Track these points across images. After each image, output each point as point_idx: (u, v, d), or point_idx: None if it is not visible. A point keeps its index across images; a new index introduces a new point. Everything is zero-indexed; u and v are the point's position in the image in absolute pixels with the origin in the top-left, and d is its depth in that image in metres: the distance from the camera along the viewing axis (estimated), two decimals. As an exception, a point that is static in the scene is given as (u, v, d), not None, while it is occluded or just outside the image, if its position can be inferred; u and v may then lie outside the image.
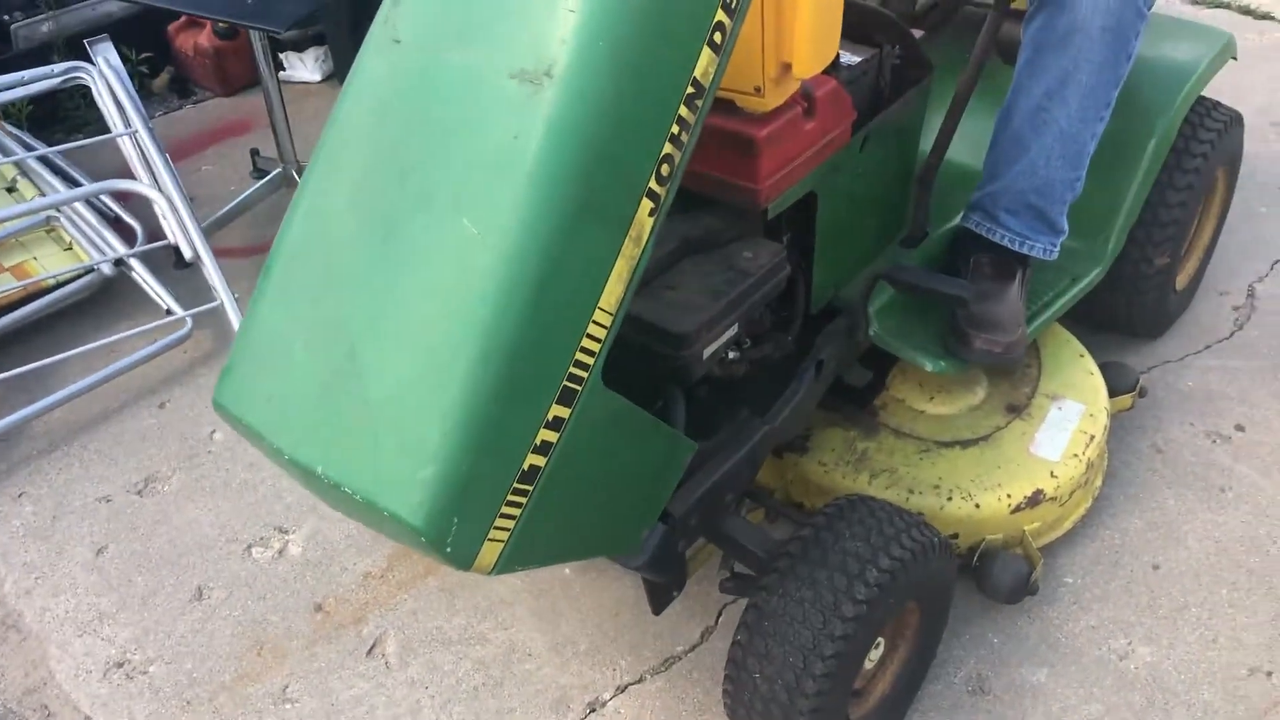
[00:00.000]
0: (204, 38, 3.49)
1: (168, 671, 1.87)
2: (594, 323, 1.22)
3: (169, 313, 2.51)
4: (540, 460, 1.22)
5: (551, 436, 1.23)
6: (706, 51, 1.23)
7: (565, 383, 1.21)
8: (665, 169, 1.23)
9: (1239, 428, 2.24)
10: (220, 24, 3.46)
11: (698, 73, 1.22)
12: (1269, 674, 1.80)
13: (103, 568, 2.05)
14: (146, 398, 2.42)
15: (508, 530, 1.23)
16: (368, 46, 1.30)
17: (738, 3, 1.24)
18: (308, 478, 1.26)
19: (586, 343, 1.22)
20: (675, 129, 1.22)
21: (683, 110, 1.23)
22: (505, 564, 1.26)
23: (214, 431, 2.33)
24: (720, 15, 1.23)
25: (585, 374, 1.23)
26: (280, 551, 2.07)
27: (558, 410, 1.22)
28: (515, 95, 1.17)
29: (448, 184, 1.20)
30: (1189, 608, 1.91)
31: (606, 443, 1.32)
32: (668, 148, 1.22)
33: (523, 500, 1.23)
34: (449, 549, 1.19)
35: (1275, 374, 2.36)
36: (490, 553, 1.23)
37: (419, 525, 1.16)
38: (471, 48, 1.21)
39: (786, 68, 1.44)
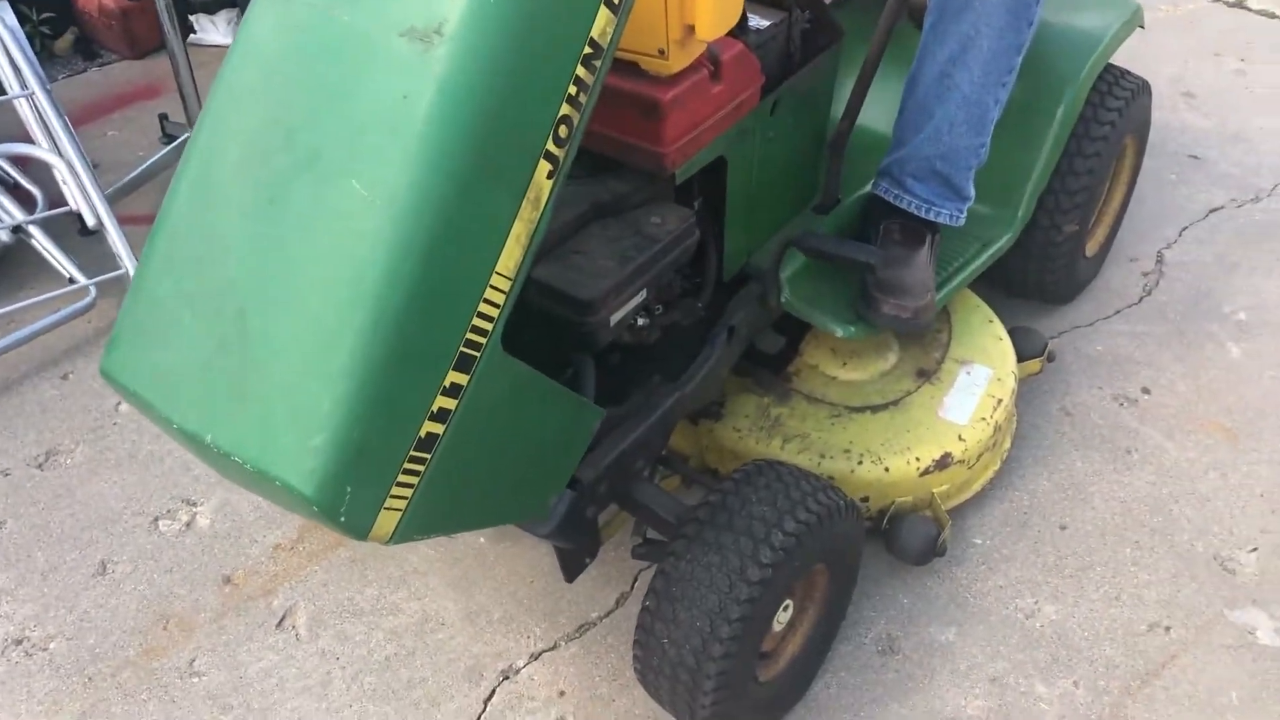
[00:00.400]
0: (110, -2, 3.38)
1: (69, 648, 1.82)
2: (491, 287, 1.20)
3: (71, 281, 2.43)
4: (438, 428, 1.21)
5: (449, 404, 1.21)
6: (604, 10, 1.21)
7: (462, 349, 1.19)
8: (563, 130, 1.21)
9: (1145, 391, 2.29)
10: (127, -17, 3.35)
11: (594, 32, 1.20)
12: (1167, 629, 1.85)
13: (1, 543, 1.99)
14: (49, 369, 2.35)
15: (405, 499, 1.21)
16: (255, 4, 1.26)
17: (635, -39, 1.22)
18: (198, 447, 1.22)
19: (484, 308, 1.20)
20: (573, 89, 1.20)
21: (580, 70, 1.21)
22: (403, 533, 1.24)
23: (119, 403, 2.27)
24: (618, -26, 1.21)
25: (483, 340, 1.21)
26: (188, 524, 2.03)
27: (455, 377, 1.20)
28: (405, 54, 1.14)
29: (336, 145, 1.16)
30: (1094, 567, 1.95)
31: (508, 410, 1.31)
32: (565, 109, 1.20)
33: (420, 468, 1.21)
34: (343, 518, 1.17)
35: (1181, 338, 2.42)
36: (387, 521, 1.21)
37: (310, 494, 1.14)
38: (361, 4, 1.17)
39: (690, 30, 1.42)
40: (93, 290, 2.41)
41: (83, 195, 2.44)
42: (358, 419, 1.14)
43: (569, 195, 1.51)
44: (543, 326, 1.46)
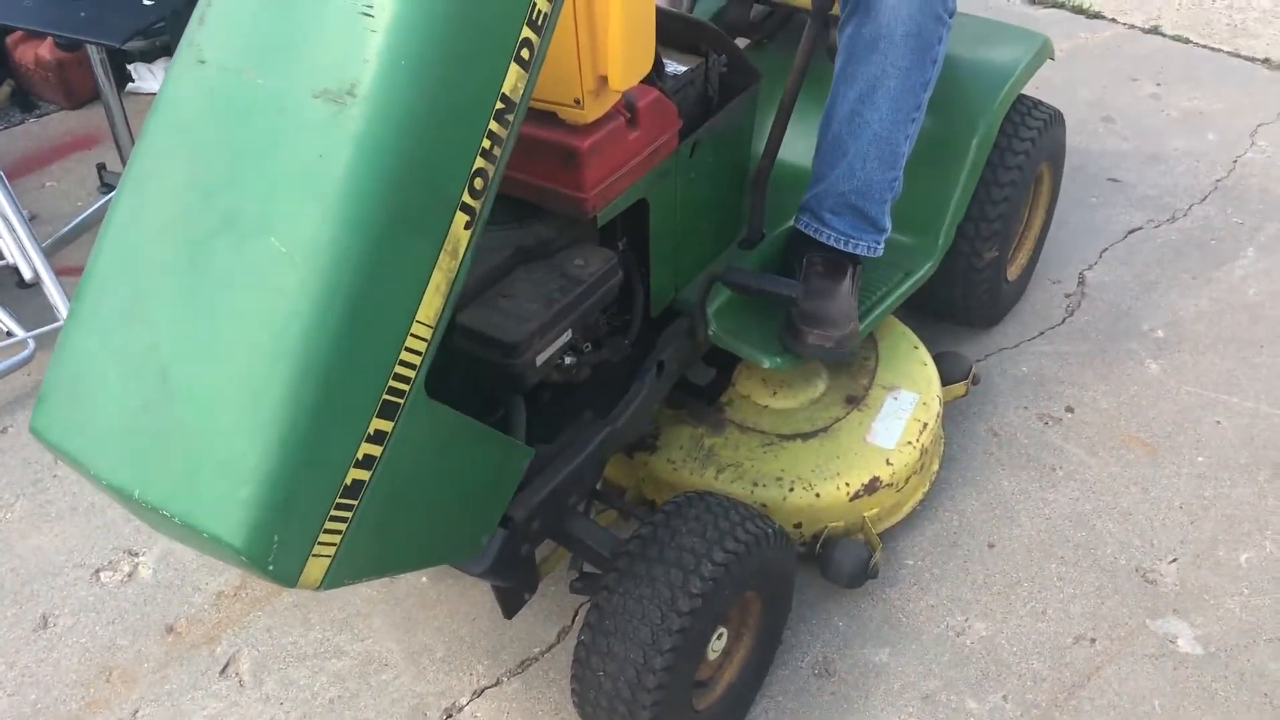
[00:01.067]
0: (45, 49, 3.38)
1: (10, 704, 1.82)
2: (413, 335, 1.23)
3: (9, 335, 2.43)
4: (364, 474, 1.24)
5: (375, 450, 1.24)
6: (514, 68, 1.25)
7: (385, 396, 1.23)
8: (479, 182, 1.25)
9: (1069, 409, 2.37)
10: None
11: (506, 88, 1.25)
12: (1092, 641, 1.91)
13: (-60, 602, 1.99)
14: (-13, 424, 2.36)
15: (333, 545, 1.24)
16: (174, 67, 1.30)
17: (544, 19, 1.27)
18: (128, 502, 1.24)
19: (406, 355, 1.23)
20: (486, 143, 1.25)
21: (493, 125, 1.25)
22: (333, 579, 1.27)
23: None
24: (526, 32, 1.25)
25: (407, 387, 1.25)
26: (130, 574, 2.03)
27: (379, 424, 1.23)
28: (319, 114, 1.17)
29: (253, 204, 1.20)
30: (1021, 583, 2.01)
31: (434, 453, 1.34)
32: (480, 162, 1.25)
33: (347, 514, 1.24)
34: (271, 567, 1.19)
35: (1103, 357, 2.50)
36: (316, 568, 1.24)
37: (239, 545, 1.16)
38: (275, 68, 1.21)
39: (603, 80, 1.47)
40: (31, 343, 2.41)
41: (19, 249, 2.45)
42: (283, 469, 1.16)
43: (493, 241, 1.55)
44: (471, 370, 1.50)
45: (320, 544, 1.22)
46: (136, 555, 2.07)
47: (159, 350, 1.22)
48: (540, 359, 1.52)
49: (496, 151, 1.27)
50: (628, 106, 1.59)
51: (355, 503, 1.24)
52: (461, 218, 1.25)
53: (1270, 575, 2.01)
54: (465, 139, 1.24)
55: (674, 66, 1.77)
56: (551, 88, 1.48)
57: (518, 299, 1.53)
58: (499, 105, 1.25)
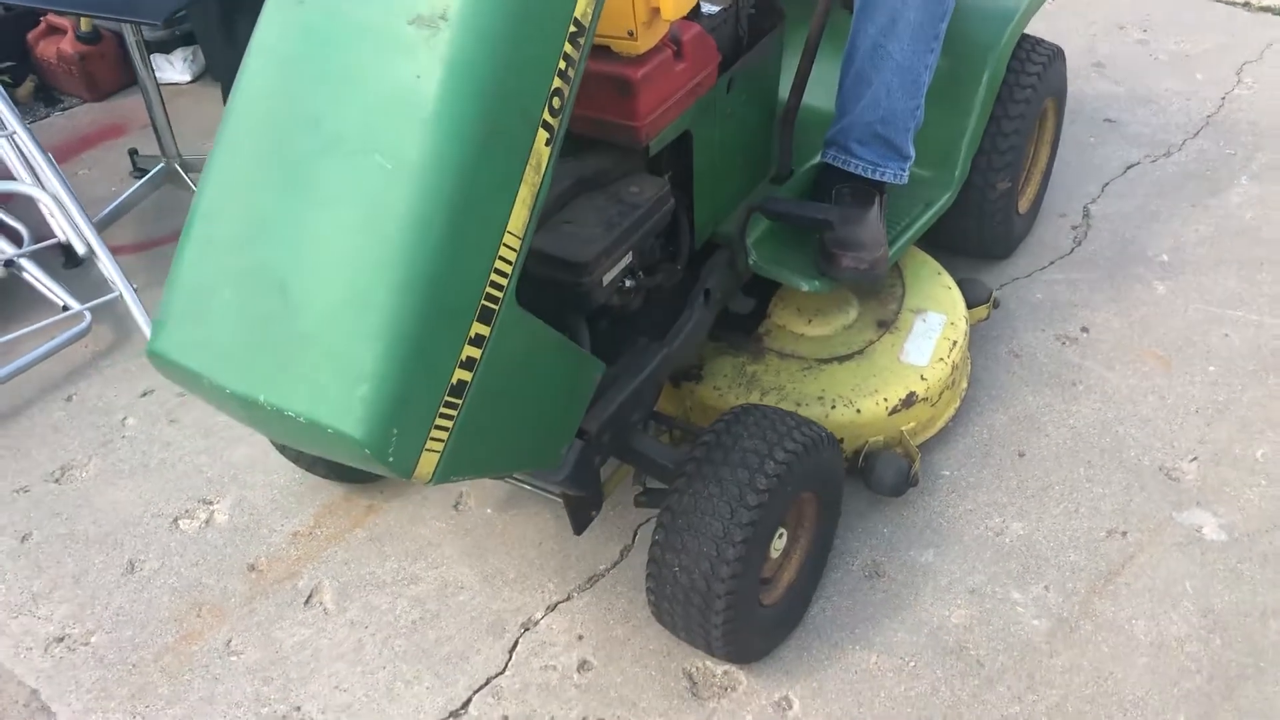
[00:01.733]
0: (66, 44, 3.46)
1: (110, 640, 1.92)
2: (505, 245, 1.34)
3: (66, 309, 2.53)
4: (467, 375, 1.35)
5: (475, 353, 1.35)
6: (584, -6, 1.36)
7: (483, 302, 1.34)
8: (556, 102, 1.36)
9: (1084, 330, 2.49)
10: (83, 28, 3.44)
11: (577, 13, 1.36)
12: (1124, 534, 2.03)
13: (29, 553, 2.08)
14: (52, 392, 2.44)
15: (442, 441, 1.35)
16: (267, 10, 1.40)
17: (609, -50, 1.38)
18: (249, 409, 1.35)
19: (499, 264, 1.34)
20: (562, 64, 1.36)
21: (568, 48, 1.36)
22: (442, 473, 1.38)
23: (126, 418, 2.37)
24: (595, -39, 1.36)
25: (500, 294, 1.35)
26: (207, 521, 2.13)
27: (478, 328, 1.34)
28: (414, 39, 1.28)
29: (358, 126, 1.30)
30: (1052, 486, 2.13)
31: (524, 359, 1.45)
32: (556, 82, 1.36)
33: (454, 413, 1.35)
34: (391, 458, 1.30)
35: (1112, 281, 2.62)
36: (428, 462, 1.35)
37: (361, 437, 1.27)
38: (368, 1, 1.32)
39: (655, 12, 1.58)
40: (88, 315, 2.50)
41: (71, 226, 2.54)
42: (397, 368, 1.27)
43: (556, 170, 1.66)
44: (539, 294, 1.61)
45: (432, 439, 1.33)
46: (211, 503, 2.17)
47: (275, 267, 1.32)
48: (606, 278, 1.63)
49: (570, 73, 1.38)
50: (674, 40, 1.69)
51: (460, 401, 1.35)
52: (543, 134, 1.36)
53: (1285, 467, 2.14)
54: (544, 59, 1.34)
55: (708, 6, 1.88)
56: (606, 21, 1.58)
57: (581, 224, 1.64)
58: (572, 28, 1.36)
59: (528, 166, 1.35)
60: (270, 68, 1.38)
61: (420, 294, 1.27)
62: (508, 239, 1.35)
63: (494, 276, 1.34)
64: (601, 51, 1.63)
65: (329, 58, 1.34)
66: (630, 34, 1.60)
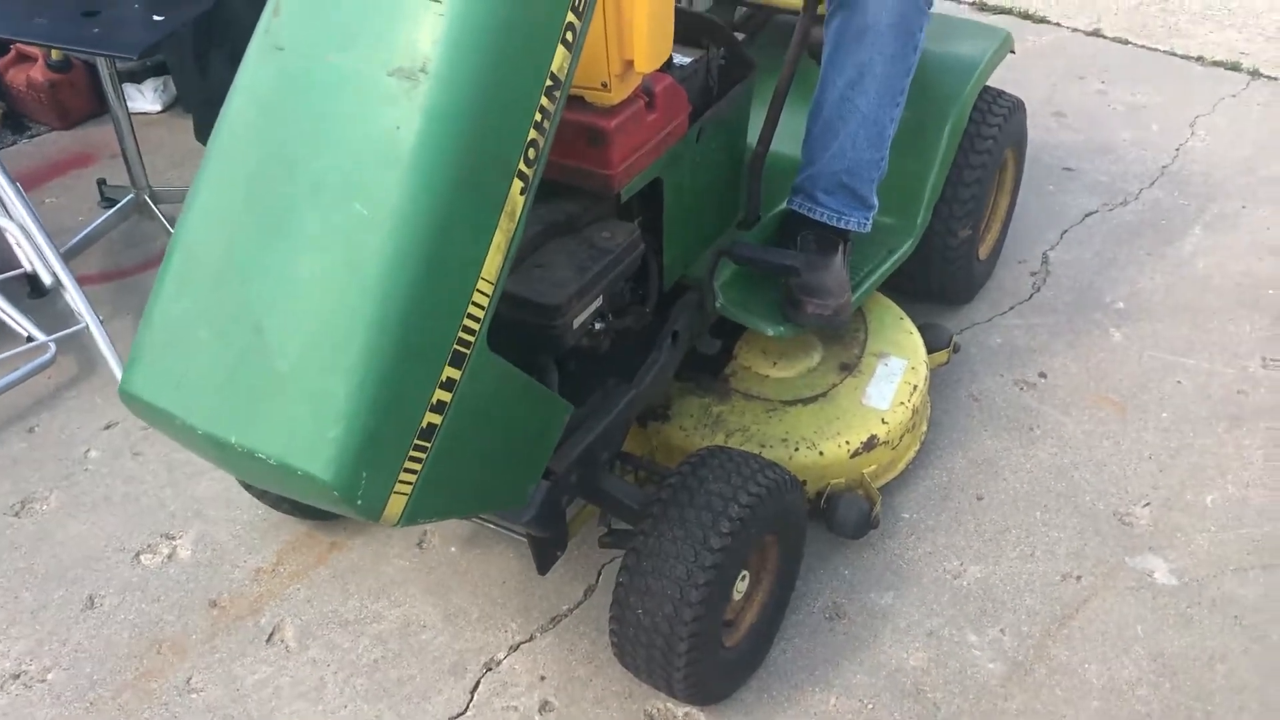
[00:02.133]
0: (37, 71, 3.45)
1: (67, 677, 1.90)
2: (478, 291, 1.37)
3: (30, 339, 2.51)
4: (437, 418, 1.36)
5: (446, 396, 1.37)
6: (561, 48, 1.39)
7: (455, 346, 1.36)
8: (532, 152, 1.39)
9: (1042, 375, 2.54)
10: (54, 56, 3.44)
11: (554, 67, 1.39)
12: (1078, 578, 2.07)
13: (-13, 588, 2.07)
14: (14, 423, 2.43)
15: (410, 483, 1.36)
16: (250, 55, 1.42)
17: (584, 5, 1.41)
18: (221, 450, 1.36)
19: (472, 309, 1.37)
20: (538, 116, 1.39)
21: (544, 100, 1.39)
22: (410, 515, 1.39)
23: (88, 450, 2.36)
24: (571, 17, 1.40)
25: (472, 338, 1.38)
26: (169, 556, 2.13)
27: (450, 372, 1.36)
28: (394, 90, 1.31)
29: (336, 173, 1.33)
30: (1009, 530, 2.17)
31: (494, 402, 1.47)
32: (532, 133, 1.39)
33: (423, 455, 1.36)
34: (359, 501, 1.31)
35: (1070, 327, 2.68)
36: (396, 504, 1.36)
37: (331, 480, 1.28)
38: (351, 50, 1.34)
39: (629, 64, 1.62)
40: (52, 347, 2.49)
41: (38, 256, 2.53)
42: (370, 410, 1.29)
43: (530, 214, 1.69)
44: (510, 336, 1.63)
45: (401, 481, 1.35)
46: (174, 538, 2.16)
47: (251, 309, 1.34)
48: (577, 321, 1.66)
49: (546, 125, 1.41)
50: (646, 91, 1.73)
51: (429, 444, 1.36)
52: (518, 184, 1.39)
53: (1233, 514, 2.19)
54: (521, 111, 1.38)
55: (680, 58, 1.92)
56: (582, 72, 1.62)
57: (553, 268, 1.66)
58: (549, 82, 1.39)
59: (503, 214, 1.37)
60: (252, 111, 1.40)
61: (393, 339, 1.29)
62: (481, 285, 1.37)
63: (467, 322, 1.36)
64: (576, 101, 1.67)
65: (310, 104, 1.36)
66: (604, 85, 1.64)
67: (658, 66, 1.65)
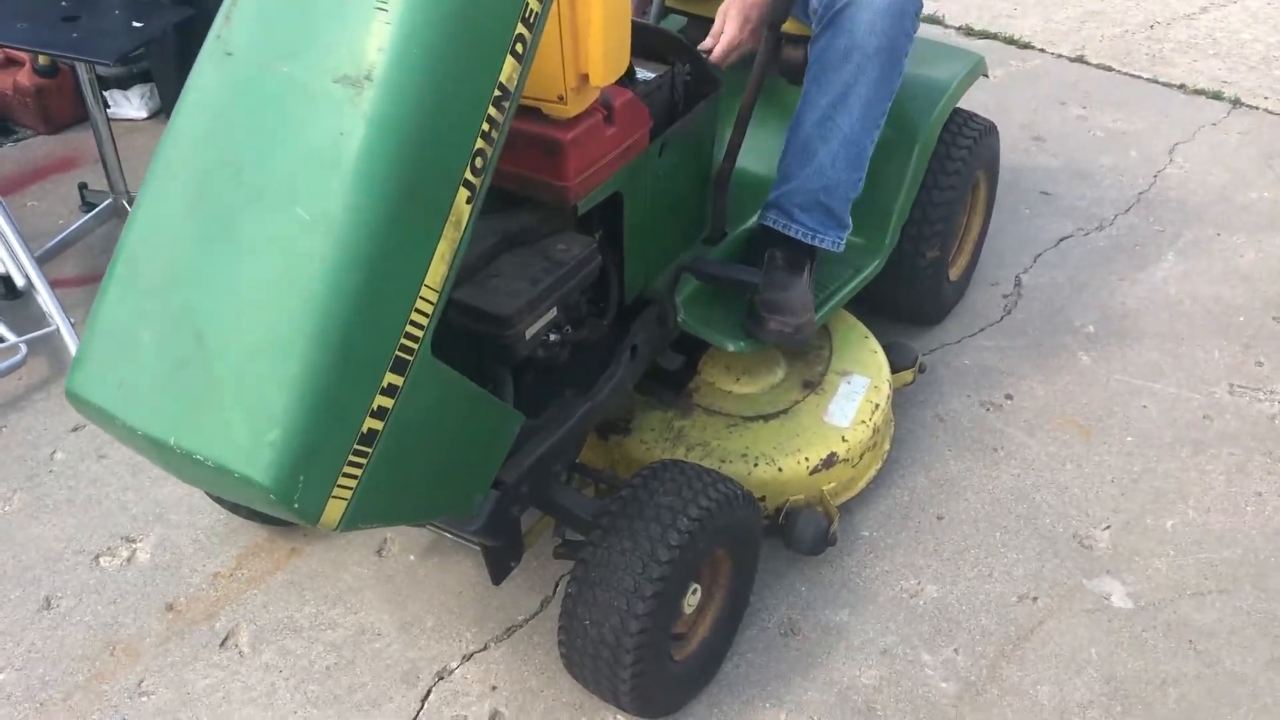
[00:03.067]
0: (24, 76, 3.48)
1: (18, 678, 1.91)
2: (421, 298, 1.37)
3: (1, 341, 2.52)
4: (378, 424, 1.37)
5: (387, 402, 1.37)
6: (510, 60, 1.41)
7: (397, 353, 1.36)
8: (479, 161, 1.40)
9: (1008, 396, 2.55)
10: (41, 61, 3.46)
11: (503, 78, 1.40)
12: (1035, 599, 2.08)
13: (-56, 587, 2.07)
14: (-19, 424, 2.44)
15: (350, 489, 1.37)
16: (201, 60, 1.43)
17: (535, 17, 1.42)
18: (161, 451, 1.36)
19: (415, 316, 1.37)
20: (486, 126, 1.40)
21: (491, 110, 1.40)
22: (349, 520, 1.39)
23: (54, 452, 2.36)
24: (520, 28, 1.41)
25: (415, 345, 1.38)
26: (129, 559, 2.13)
27: (391, 378, 1.36)
28: (339, 97, 1.32)
29: (280, 179, 1.33)
30: (969, 550, 2.18)
31: (438, 409, 1.47)
32: (480, 143, 1.40)
33: (363, 461, 1.37)
34: (296, 504, 1.31)
35: (1038, 350, 2.69)
36: (335, 509, 1.36)
37: (268, 483, 1.29)
38: (297, 57, 1.35)
39: (585, 78, 1.63)
40: (23, 348, 2.51)
41: (12, 259, 2.54)
42: (308, 415, 1.29)
43: (482, 228, 1.69)
44: (465, 347, 1.64)
45: (339, 486, 1.35)
46: (134, 541, 2.16)
47: (193, 312, 1.35)
48: (529, 332, 1.66)
49: (494, 135, 1.42)
50: (605, 105, 1.75)
51: (370, 450, 1.37)
52: (464, 193, 1.39)
53: (1193, 539, 2.20)
54: (467, 122, 1.38)
55: (644, 73, 1.93)
56: (537, 85, 1.64)
57: (507, 278, 1.67)
58: (497, 93, 1.40)
59: (447, 223, 1.38)
60: (199, 116, 1.41)
61: (333, 344, 1.30)
62: (424, 292, 1.38)
63: (409, 328, 1.37)
64: (533, 112, 1.68)
65: (256, 110, 1.37)
66: (560, 98, 1.65)
67: (613, 80, 1.66)
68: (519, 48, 1.41)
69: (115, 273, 1.43)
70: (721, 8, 2.10)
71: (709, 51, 2.09)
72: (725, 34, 2.07)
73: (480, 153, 1.40)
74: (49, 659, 1.94)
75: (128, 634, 1.99)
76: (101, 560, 2.13)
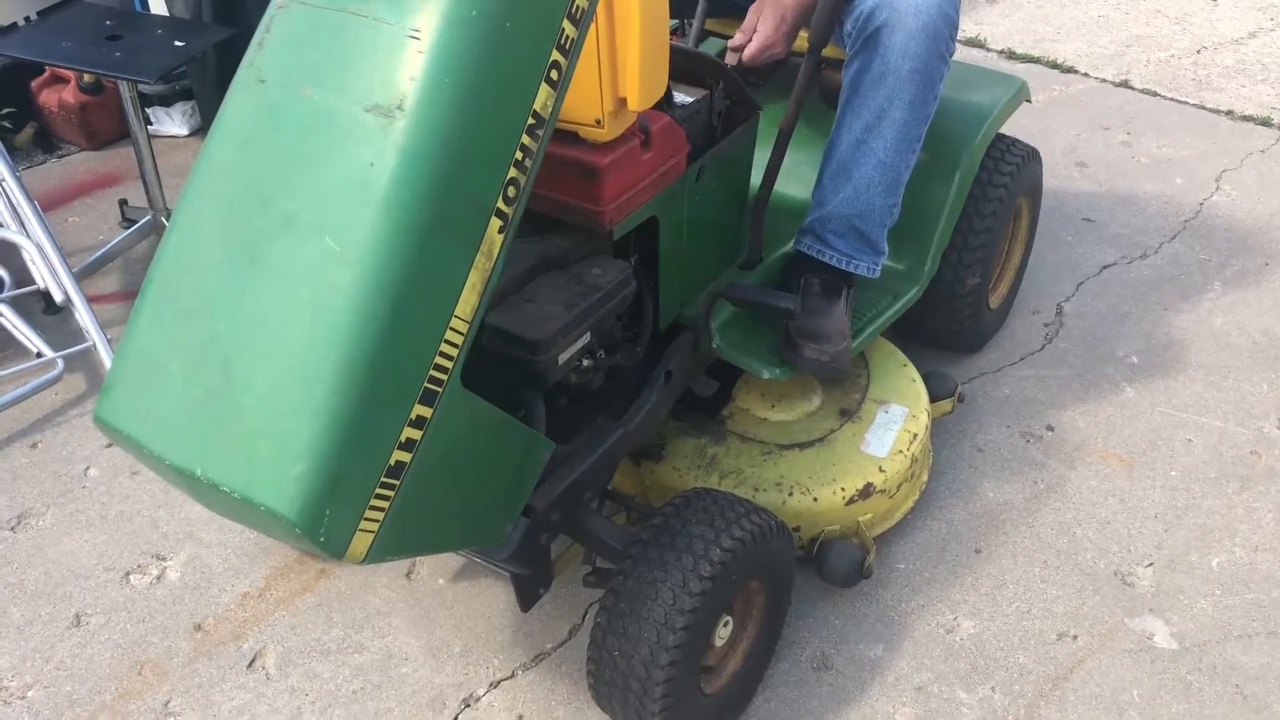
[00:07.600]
0: (69, 93, 3.52)
1: (46, 695, 1.91)
2: (451, 329, 1.36)
3: (39, 355, 2.54)
4: (406, 456, 1.35)
5: (416, 434, 1.35)
6: (544, 87, 1.39)
7: (426, 384, 1.35)
8: (511, 191, 1.39)
9: (1049, 428, 2.50)
10: (85, 79, 3.50)
11: (536, 105, 1.39)
12: (1075, 637, 2.02)
13: (-23, 602, 2.08)
14: (18, 439, 2.45)
15: (377, 521, 1.35)
16: (234, 87, 1.43)
17: (571, 44, 1.41)
18: (188, 481, 1.35)
19: (445, 348, 1.35)
20: (519, 155, 1.38)
21: (525, 139, 1.38)
22: (376, 553, 1.38)
23: (88, 468, 2.38)
24: (555, 55, 1.39)
25: (445, 376, 1.36)
26: (158, 577, 2.13)
27: (420, 410, 1.35)
28: (370, 126, 1.31)
29: (310, 208, 1.32)
30: (1007, 585, 2.13)
31: (467, 440, 1.46)
32: (513, 172, 1.38)
33: (390, 493, 1.35)
34: (322, 538, 1.30)
35: (1080, 381, 2.64)
36: (361, 542, 1.35)
37: (293, 517, 1.27)
38: (329, 85, 1.34)
39: (623, 102, 1.62)
40: (60, 364, 2.52)
41: (51, 274, 2.57)
42: (334, 448, 1.28)
43: (518, 252, 1.68)
44: (497, 372, 1.62)
45: (366, 519, 1.33)
46: (164, 560, 2.16)
47: (220, 342, 1.34)
48: (562, 358, 1.64)
49: (528, 163, 1.40)
50: (642, 129, 1.73)
51: (398, 482, 1.35)
52: (496, 222, 1.38)
53: (1239, 578, 2.14)
54: (500, 151, 1.37)
55: (682, 97, 1.91)
56: (575, 109, 1.62)
57: (541, 302, 1.66)
58: (530, 121, 1.39)
59: (479, 253, 1.37)
60: (230, 144, 1.41)
61: (360, 376, 1.28)
62: (454, 323, 1.36)
63: (439, 359, 1.35)
64: (570, 137, 1.67)
65: (287, 138, 1.36)
66: (598, 122, 1.64)
67: (651, 105, 1.65)
68: (554, 75, 1.40)
69: (146, 299, 1.43)
70: (755, 5, 2.07)
71: (739, 49, 2.07)
72: (759, 33, 2.04)
73: (513, 181, 1.38)
74: (77, 677, 1.94)
75: (156, 653, 1.98)
76: (131, 578, 2.13)
